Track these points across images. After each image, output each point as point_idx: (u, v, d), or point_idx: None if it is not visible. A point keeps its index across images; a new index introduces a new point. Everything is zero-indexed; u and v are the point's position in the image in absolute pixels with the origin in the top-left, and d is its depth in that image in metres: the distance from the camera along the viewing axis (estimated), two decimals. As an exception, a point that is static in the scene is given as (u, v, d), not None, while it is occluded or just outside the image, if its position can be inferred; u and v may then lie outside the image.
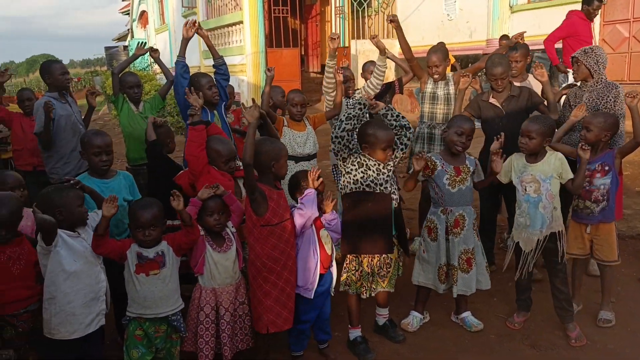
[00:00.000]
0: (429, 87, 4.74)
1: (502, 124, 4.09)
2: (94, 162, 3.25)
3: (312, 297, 3.10)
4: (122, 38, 25.51)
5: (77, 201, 2.80)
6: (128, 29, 24.28)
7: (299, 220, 3.05)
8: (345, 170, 3.33)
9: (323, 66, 15.09)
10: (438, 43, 4.87)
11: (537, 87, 4.46)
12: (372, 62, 5.02)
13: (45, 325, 2.75)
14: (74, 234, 2.77)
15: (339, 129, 3.24)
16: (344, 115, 3.30)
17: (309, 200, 3.05)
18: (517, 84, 4.43)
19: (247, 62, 12.38)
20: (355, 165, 3.29)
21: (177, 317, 2.92)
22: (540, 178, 3.44)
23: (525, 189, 3.48)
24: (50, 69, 4.48)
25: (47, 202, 2.75)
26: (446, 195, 3.49)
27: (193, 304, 3.05)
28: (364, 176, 3.28)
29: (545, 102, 4.17)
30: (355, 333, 3.45)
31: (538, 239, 3.45)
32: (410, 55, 4.80)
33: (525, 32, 4.79)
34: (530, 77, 4.71)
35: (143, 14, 21.72)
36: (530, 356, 3.33)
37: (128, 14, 24.27)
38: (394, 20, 4.72)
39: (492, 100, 4.19)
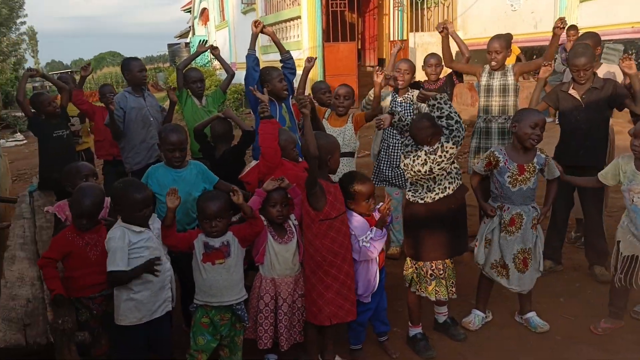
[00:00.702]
0: (484, 79, 4.59)
1: (580, 117, 3.93)
2: (168, 157, 3.38)
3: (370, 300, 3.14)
4: (183, 35, 26.27)
5: (139, 206, 2.84)
6: (189, 26, 24.97)
7: (371, 256, 3.09)
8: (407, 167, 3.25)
9: (380, 60, 14.98)
10: (505, 34, 4.73)
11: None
12: (433, 55, 4.91)
13: (115, 311, 2.88)
14: (139, 230, 2.86)
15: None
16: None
17: (380, 235, 3.08)
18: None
19: (304, 57, 12.42)
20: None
21: (241, 306, 2.99)
22: None
23: (633, 200, 3.22)
24: (130, 66, 4.75)
25: (114, 197, 2.92)
26: (505, 193, 3.36)
27: (254, 292, 3.11)
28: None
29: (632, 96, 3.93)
30: (416, 330, 3.42)
31: None
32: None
33: (564, 17, 4.49)
34: (608, 67, 4.49)
35: (204, 11, 22.27)
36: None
37: (190, 11, 24.95)
38: (445, 28, 4.62)
39: (572, 91, 4.01)
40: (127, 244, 2.80)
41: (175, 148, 3.34)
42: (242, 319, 3.00)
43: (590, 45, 4.16)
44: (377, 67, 4.22)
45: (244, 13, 16.23)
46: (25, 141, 14.96)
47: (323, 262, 2.99)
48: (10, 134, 15.98)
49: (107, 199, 3.18)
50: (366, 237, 3.05)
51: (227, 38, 17.99)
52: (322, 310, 3.02)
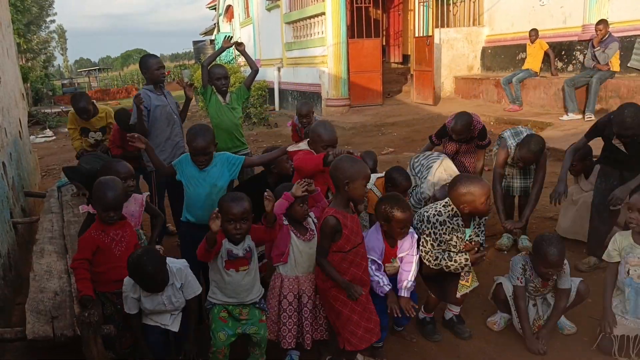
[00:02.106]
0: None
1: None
2: (194, 160, 3.40)
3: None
4: (208, 32, 26.47)
5: (151, 281, 2.82)
6: (214, 24, 25.12)
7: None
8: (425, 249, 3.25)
9: (405, 56, 14.86)
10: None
11: None
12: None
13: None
14: (148, 294, 2.87)
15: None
16: None
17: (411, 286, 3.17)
18: None
19: (328, 53, 12.42)
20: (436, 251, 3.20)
21: (261, 300, 3.02)
22: None
23: (629, 272, 3.13)
24: (148, 64, 4.73)
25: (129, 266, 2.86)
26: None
27: (273, 293, 3.11)
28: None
29: None
30: (426, 315, 3.50)
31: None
32: None
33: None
34: None
35: (229, 8, 22.36)
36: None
37: (215, 8, 25.09)
38: None
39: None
40: (138, 296, 2.86)
41: (199, 152, 3.35)
42: (263, 309, 3.03)
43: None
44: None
45: (269, 10, 16.25)
46: (54, 137, 15.28)
47: (338, 293, 2.93)
48: (40, 130, 16.33)
49: (142, 196, 3.38)
50: (407, 284, 3.17)
51: (252, 35, 18.06)
52: (354, 333, 2.95)
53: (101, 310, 2.91)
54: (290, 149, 3.63)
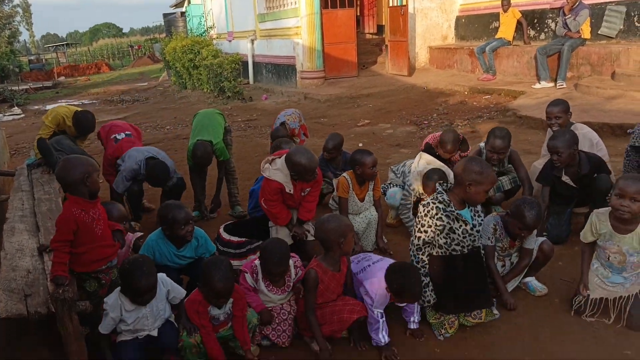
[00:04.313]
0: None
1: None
2: (179, 235, 3.29)
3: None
4: (179, 4, 25.79)
5: (140, 291, 2.78)
6: (185, -5, 24.46)
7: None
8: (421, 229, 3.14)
9: (379, 26, 14.76)
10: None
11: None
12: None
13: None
14: (132, 308, 2.82)
15: None
16: None
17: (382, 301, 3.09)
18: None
19: (302, 24, 12.26)
20: (434, 228, 3.08)
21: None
22: (627, 252, 3.07)
23: (609, 258, 3.15)
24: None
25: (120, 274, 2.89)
26: None
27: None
28: (447, 241, 3.10)
29: None
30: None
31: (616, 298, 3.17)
32: None
33: None
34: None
35: (199, -21, 21.80)
36: (596, 322, 3.22)
37: (184, -21, 24.43)
38: None
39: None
40: (118, 316, 2.81)
41: (186, 224, 3.25)
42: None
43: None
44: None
45: (240, -20, 15.91)
46: (22, 115, 14.89)
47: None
48: (8, 108, 15.89)
49: (132, 237, 3.56)
50: (414, 319, 3.17)
51: (224, 6, 17.67)
52: (342, 312, 3.07)
53: (75, 286, 2.87)
54: (268, 175, 3.72)
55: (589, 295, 3.21)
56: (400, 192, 4.52)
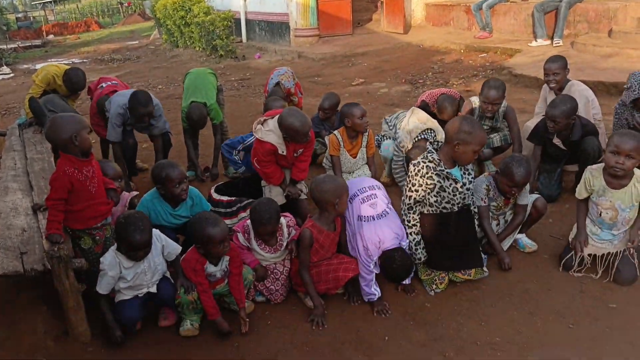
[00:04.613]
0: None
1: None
2: (174, 194, 3.29)
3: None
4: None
5: (136, 246, 2.82)
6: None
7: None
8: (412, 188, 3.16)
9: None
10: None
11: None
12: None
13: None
14: (130, 265, 2.87)
15: None
16: None
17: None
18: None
19: (295, -22, 11.96)
20: (424, 187, 3.10)
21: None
22: (619, 207, 3.11)
23: (600, 214, 3.19)
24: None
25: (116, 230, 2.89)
26: None
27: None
28: (438, 199, 3.13)
29: None
30: None
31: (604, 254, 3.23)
32: None
33: None
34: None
35: None
36: (583, 277, 3.29)
37: None
38: None
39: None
40: (117, 274, 2.84)
41: (180, 182, 3.26)
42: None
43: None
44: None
45: None
46: (12, 74, 14.63)
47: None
48: (-4, 68, 15.60)
49: (127, 196, 3.54)
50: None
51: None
52: (337, 270, 3.13)
53: (70, 244, 2.90)
54: (260, 136, 3.68)
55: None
56: (393, 144, 4.54)
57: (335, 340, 2.89)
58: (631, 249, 3.19)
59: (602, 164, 3.16)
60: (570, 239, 3.35)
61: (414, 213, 3.17)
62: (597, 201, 3.19)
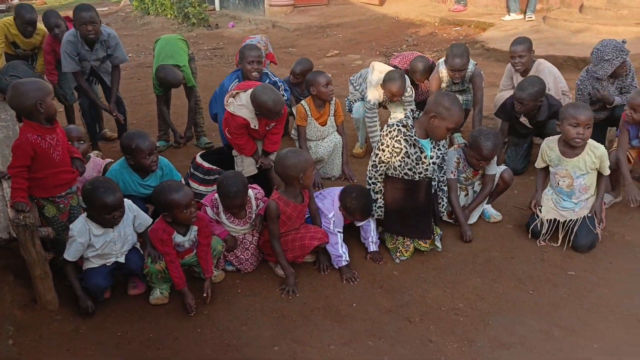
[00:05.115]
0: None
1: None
2: (144, 165, 3.25)
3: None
4: None
5: (107, 209, 2.79)
6: None
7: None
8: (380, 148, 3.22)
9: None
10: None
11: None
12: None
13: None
14: (100, 232, 2.84)
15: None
16: None
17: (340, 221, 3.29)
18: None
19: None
20: (391, 149, 3.16)
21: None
22: (574, 174, 3.28)
23: (558, 183, 3.35)
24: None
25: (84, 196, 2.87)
26: None
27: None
28: (401, 164, 3.17)
29: None
30: None
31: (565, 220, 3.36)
32: None
33: None
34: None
35: None
36: (545, 246, 3.41)
37: None
38: None
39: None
40: (86, 241, 2.81)
41: (151, 153, 3.22)
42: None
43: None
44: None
45: None
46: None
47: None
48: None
49: (102, 163, 3.57)
50: (373, 239, 3.37)
51: None
52: (304, 238, 3.18)
53: (37, 213, 2.86)
54: (232, 110, 3.65)
55: (544, 216, 3.38)
56: (363, 105, 4.57)
57: (304, 307, 2.95)
58: (593, 217, 3.31)
59: (558, 136, 3.33)
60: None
61: (376, 172, 3.26)
62: (555, 171, 3.36)
